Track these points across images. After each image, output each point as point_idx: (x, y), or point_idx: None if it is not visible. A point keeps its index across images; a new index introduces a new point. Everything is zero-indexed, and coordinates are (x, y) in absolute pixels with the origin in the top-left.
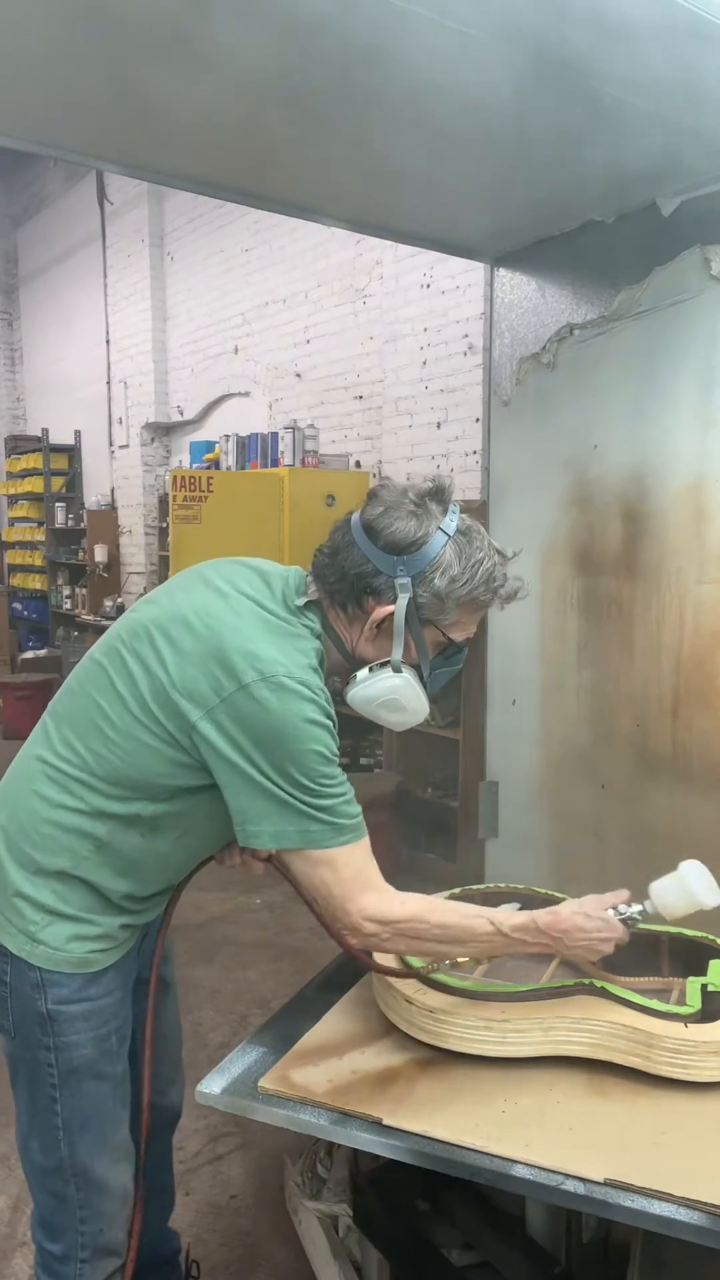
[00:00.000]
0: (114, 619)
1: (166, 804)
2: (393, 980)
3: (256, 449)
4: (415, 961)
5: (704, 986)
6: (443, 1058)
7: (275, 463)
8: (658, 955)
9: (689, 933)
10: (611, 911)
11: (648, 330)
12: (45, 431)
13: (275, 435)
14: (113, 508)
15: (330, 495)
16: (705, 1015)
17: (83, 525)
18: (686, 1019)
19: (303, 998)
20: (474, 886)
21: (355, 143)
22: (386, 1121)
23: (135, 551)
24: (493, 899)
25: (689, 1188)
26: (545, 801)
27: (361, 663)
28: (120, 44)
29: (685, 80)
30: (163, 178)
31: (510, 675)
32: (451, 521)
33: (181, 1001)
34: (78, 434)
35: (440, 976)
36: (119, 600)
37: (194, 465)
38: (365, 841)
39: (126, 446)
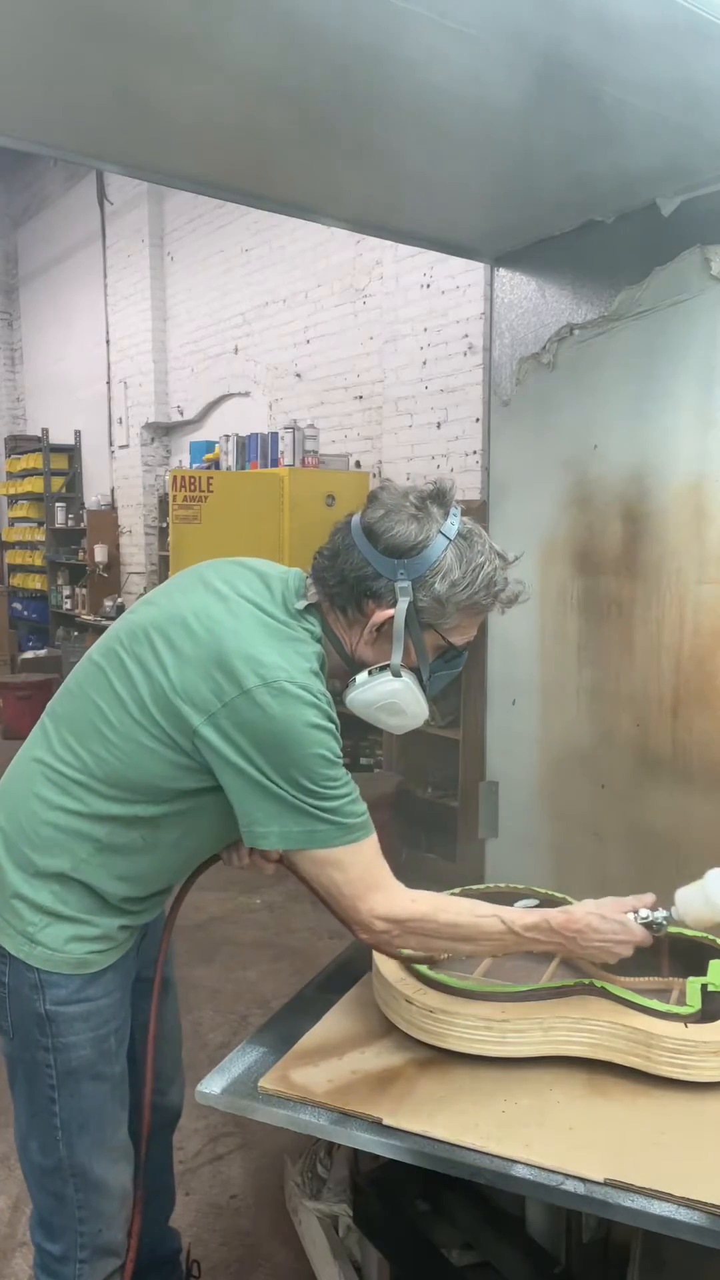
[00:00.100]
0: (114, 619)
1: (166, 806)
2: (393, 980)
3: (256, 449)
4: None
5: (704, 986)
6: (443, 1058)
7: (275, 463)
8: (658, 955)
9: (689, 932)
10: (633, 915)
11: (648, 330)
12: (45, 431)
13: (275, 435)
14: (113, 508)
15: (330, 495)
16: (705, 1015)
17: (83, 525)
18: (686, 1019)
19: (303, 998)
20: (474, 886)
21: (355, 143)
22: (386, 1121)
23: (135, 551)
24: (493, 899)
25: (689, 1188)
26: (545, 801)
27: (361, 666)
28: (120, 44)
29: (685, 80)
30: (163, 178)
31: (510, 675)
32: (452, 525)
33: (181, 1001)
34: (78, 434)
35: (440, 976)
36: (119, 600)
37: (194, 465)
38: (373, 839)
39: (126, 446)
